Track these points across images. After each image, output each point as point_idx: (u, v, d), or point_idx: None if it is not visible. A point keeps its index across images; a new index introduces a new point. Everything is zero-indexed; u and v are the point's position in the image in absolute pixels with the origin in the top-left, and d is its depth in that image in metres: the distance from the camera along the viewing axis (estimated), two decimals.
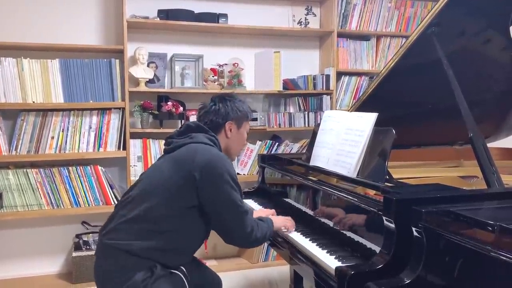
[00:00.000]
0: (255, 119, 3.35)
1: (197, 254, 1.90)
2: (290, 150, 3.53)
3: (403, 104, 2.31)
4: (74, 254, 3.10)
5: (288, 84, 3.53)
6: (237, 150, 1.97)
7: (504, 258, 1.06)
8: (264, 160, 2.66)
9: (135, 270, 1.60)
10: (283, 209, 2.20)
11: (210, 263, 3.43)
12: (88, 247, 3.14)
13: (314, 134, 2.29)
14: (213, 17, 3.33)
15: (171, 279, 1.68)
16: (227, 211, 1.66)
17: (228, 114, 1.85)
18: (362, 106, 2.28)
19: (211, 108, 1.87)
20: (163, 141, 3.26)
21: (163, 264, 1.66)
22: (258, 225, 1.74)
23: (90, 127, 3.14)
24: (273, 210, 2.16)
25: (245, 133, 1.94)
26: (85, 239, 3.17)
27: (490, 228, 1.14)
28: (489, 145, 1.86)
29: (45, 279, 3.18)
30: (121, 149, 3.18)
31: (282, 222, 1.94)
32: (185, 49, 3.43)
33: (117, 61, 3.14)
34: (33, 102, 3.01)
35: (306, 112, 3.56)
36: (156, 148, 3.27)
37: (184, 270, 1.74)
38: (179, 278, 1.70)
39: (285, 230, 1.94)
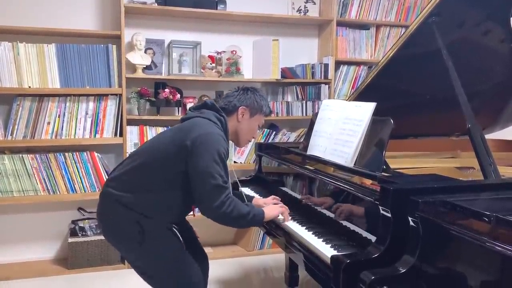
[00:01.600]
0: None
1: None
2: (288, 139, 3.52)
3: (401, 94, 2.31)
4: (70, 240, 3.10)
5: (286, 72, 3.51)
6: (245, 138, 2.04)
7: (500, 249, 1.07)
8: (261, 148, 2.66)
9: (125, 220, 1.76)
10: (280, 198, 2.19)
11: (206, 250, 3.43)
12: (84, 233, 3.14)
13: (311, 123, 2.29)
14: (212, 4, 3.30)
15: (163, 234, 1.81)
16: (201, 180, 1.73)
17: (244, 100, 1.98)
18: (360, 95, 2.27)
19: (233, 92, 2.03)
20: (161, 128, 3.30)
21: (151, 220, 1.77)
22: (234, 204, 1.74)
23: (87, 113, 3.13)
24: (271, 197, 2.15)
25: (256, 124, 2.03)
26: (81, 225, 3.17)
27: (486, 219, 1.15)
28: (486, 137, 1.86)
29: (41, 264, 3.18)
30: (118, 136, 3.17)
31: (275, 211, 1.94)
32: (183, 35, 3.40)
33: (114, 46, 3.11)
34: (29, 87, 2.98)
35: (304, 101, 3.55)
36: (153, 135, 3.25)
37: (176, 229, 1.87)
38: (171, 234, 1.84)
39: (282, 218, 1.95)
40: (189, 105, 3.30)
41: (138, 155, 1.87)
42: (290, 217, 1.96)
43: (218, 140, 1.78)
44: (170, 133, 1.89)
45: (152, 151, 1.84)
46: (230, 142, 2.02)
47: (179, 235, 1.89)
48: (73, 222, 3.21)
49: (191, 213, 1.97)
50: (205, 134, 1.76)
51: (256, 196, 2.28)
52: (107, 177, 3.12)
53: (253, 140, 2.11)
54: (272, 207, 1.98)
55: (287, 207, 1.99)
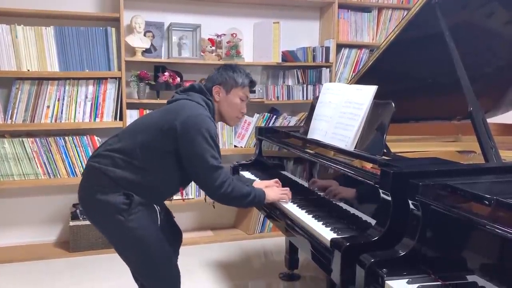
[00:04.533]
0: (253, 91, 3.32)
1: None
2: (288, 123, 3.51)
3: (403, 77, 2.29)
4: (71, 223, 3.12)
5: (287, 56, 3.48)
6: (230, 116, 2.01)
7: (500, 231, 1.07)
8: (262, 132, 2.65)
9: (110, 192, 1.75)
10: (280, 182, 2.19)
11: (206, 234, 3.47)
12: (84, 216, 3.15)
13: (312, 107, 2.27)
14: None
15: (147, 210, 1.80)
16: (198, 163, 1.76)
17: (216, 79, 1.97)
18: (362, 79, 2.25)
19: (210, 74, 2.02)
20: None
21: (138, 196, 1.77)
22: (233, 184, 1.80)
23: (86, 97, 3.11)
24: (274, 180, 2.15)
25: (236, 99, 1.98)
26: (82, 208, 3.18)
27: (486, 202, 1.14)
28: (488, 121, 1.84)
29: (43, 247, 3.21)
30: (118, 120, 3.16)
31: (277, 194, 1.97)
32: (183, 18, 3.36)
33: (113, 29, 3.08)
34: (28, 70, 2.96)
35: (305, 85, 3.52)
36: None
37: (157, 208, 1.87)
38: (153, 211, 1.84)
39: (284, 201, 1.96)
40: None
41: (124, 135, 1.86)
42: (290, 201, 1.97)
43: (208, 121, 1.78)
44: (157, 114, 1.88)
45: (139, 131, 1.82)
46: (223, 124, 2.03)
47: (158, 216, 1.87)
48: (74, 205, 3.23)
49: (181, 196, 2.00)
50: (194, 116, 1.77)
51: (257, 180, 2.28)
52: None
53: (242, 116, 2.06)
54: (273, 189, 2.00)
55: (289, 191, 2.00)
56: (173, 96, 1.96)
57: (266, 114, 3.50)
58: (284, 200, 1.97)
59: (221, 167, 1.78)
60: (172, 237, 2.06)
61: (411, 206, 1.36)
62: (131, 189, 1.76)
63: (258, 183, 2.14)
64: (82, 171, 1.92)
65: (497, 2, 2.02)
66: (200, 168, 1.76)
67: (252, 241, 3.45)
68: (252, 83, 2.04)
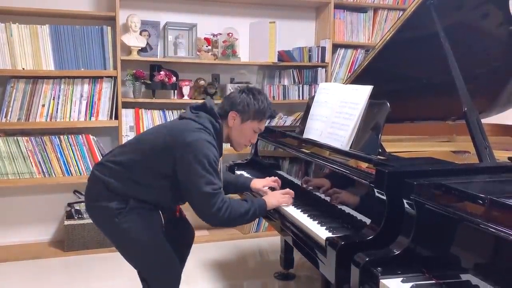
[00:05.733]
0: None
1: None
2: (284, 123, 3.52)
3: (398, 77, 2.30)
4: (66, 222, 3.11)
5: (283, 55, 3.49)
6: (239, 143, 1.98)
7: (494, 230, 1.07)
8: None
9: (108, 199, 1.79)
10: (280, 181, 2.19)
11: (202, 233, 3.47)
12: (80, 216, 3.15)
13: (308, 107, 2.28)
14: None
15: (145, 213, 1.81)
16: (193, 190, 1.73)
17: (236, 105, 1.90)
18: (357, 79, 2.26)
19: (231, 94, 1.98)
20: (156, 111, 3.28)
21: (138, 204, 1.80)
22: (230, 207, 1.74)
23: (82, 96, 3.10)
24: (272, 179, 2.14)
25: (249, 130, 1.94)
26: (77, 207, 3.17)
27: (480, 201, 1.15)
28: (482, 121, 1.85)
29: (37, 246, 3.19)
30: (113, 119, 3.15)
31: (279, 200, 1.92)
32: (179, 17, 3.36)
33: (109, 28, 3.08)
34: (23, 68, 2.95)
35: (301, 85, 3.53)
36: (149, 118, 3.24)
37: (160, 211, 1.88)
38: (154, 214, 1.85)
39: (285, 205, 1.93)
40: (184, 89, 3.29)
41: (128, 148, 1.88)
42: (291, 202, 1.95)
43: (207, 147, 1.74)
44: (163, 131, 1.84)
45: (141, 148, 1.83)
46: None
47: (162, 217, 1.88)
48: (69, 205, 3.22)
49: None
50: (194, 142, 1.73)
51: (254, 179, 2.26)
52: None
53: (250, 144, 2.04)
54: (274, 195, 1.95)
55: (291, 193, 1.96)
56: (185, 112, 1.92)
57: None
58: (285, 204, 1.92)
59: (217, 193, 1.73)
60: (178, 238, 2.04)
61: (406, 206, 1.37)
62: (127, 197, 1.79)
63: (254, 183, 2.14)
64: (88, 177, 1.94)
65: (491, 3, 2.04)
66: (194, 195, 1.74)
67: (247, 240, 3.45)
68: (270, 117, 2.00)
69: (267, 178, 2.17)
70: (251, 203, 1.83)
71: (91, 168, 1.93)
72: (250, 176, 2.41)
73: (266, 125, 3.42)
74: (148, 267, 1.88)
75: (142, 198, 1.80)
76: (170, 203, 1.93)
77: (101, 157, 1.98)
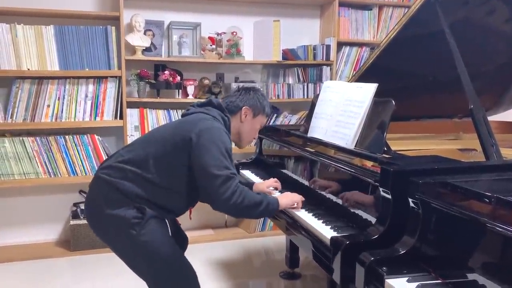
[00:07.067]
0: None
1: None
2: (289, 122, 3.51)
3: (403, 75, 2.28)
4: (72, 222, 3.12)
5: (288, 54, 3.47)
6: (247, 138, 2.01)
7: (501, 229, 1.06)
8: (262, 131, 2.63)
9: (121, 206, 1.69)
10: (280, 181, 2.18)
11: (207, 232, 3.47)
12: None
13: (312, 105, 2.27)
14: None
15: (159, 223, 1.75)
16: (208, 173, 1.67)
17: (248, 101, 1.95)
18: (362, 77, 2.24)
19: (235, 93, 2.02)
20: (161, 111, 3.28)
21: (150, 209, 1.72)
22: (244, 193, 1.69)
23: (87, 96, 3.11)
24: (272, 180, 2.14)
25: (258, 124, 2.01)
26: (83, 207, 3.17)
27: (487, 200, 1.14)
28: (489, 118, 1.84)
29: (44, 246, 3.21)
30: (118, 119, 3.16)
31: (292, 199, 1.88)
32: (183, 16, 3.35)
33: (113, 28, 3.08)
34: (28, 69, 2.96)
35: (305, 83, 3.52)
36: (154, 117, 3.24)
37: (166, 220, 1.82)
38: (164, 224, 1.79)
39: (295, 208, 1.88)
40: (189, 88, 3.28)
41: (136, 146, 1.81)
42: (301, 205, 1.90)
43: (224, 134, 1.75)
44: (172, 126, 1.85)
45: (153, 142, 1.77)
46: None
47: (169, 229, 1.81)
48: (75, 204, 3.23)
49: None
50: (211, 128, 1.73)
51: (257, 181, 2.27)
52: None
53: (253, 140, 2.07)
54: (286, 195, 1.90)
55: (301, 197, 1.90)
56: (189, 109, 1.92)
57: None
58: (295, 207, 1.87)
59: (232, 177, 1.69)
60: (180, 247, 1.98)
61: (411, 204, 1.36)
62: (142, 203, 1.70)
63: (257, 186, 2.13)
64: (90, 183, 1.84)
65: None
66: (209, 179, 1.67)
67: (253, 239, 3.44)
68: (271, 113, 2.05)
69: (268, 180, 2.16)
70: (264, 196, 1.79)
71: (96, 172, 1.82)
72: (254, 176, 2.40)
73: (271, 124, 3.44)
74: (168, 280, 1.75)
75: (156, 200, 1.72)
76: (185, 203, 1.85)
77: (106, 159, 1.89)
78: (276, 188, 2.12)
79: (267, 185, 2.11)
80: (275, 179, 2.15)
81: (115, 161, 1.77)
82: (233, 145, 2.01)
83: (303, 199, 1.90)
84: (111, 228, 1.73)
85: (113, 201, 1.70)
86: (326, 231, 1.59)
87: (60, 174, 3.09)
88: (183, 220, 2.05)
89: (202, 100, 1.97)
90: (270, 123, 3.43)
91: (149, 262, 1.72)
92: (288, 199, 1.87)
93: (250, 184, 2.14)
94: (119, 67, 3.10)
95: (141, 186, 1.71)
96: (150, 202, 1.72)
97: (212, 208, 1.76)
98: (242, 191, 1.69)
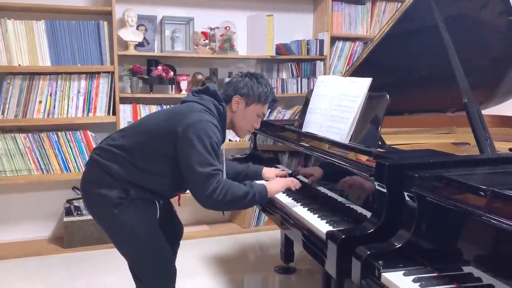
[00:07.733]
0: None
1: None
2: (283, 117, 3.50)
3: (397, 70, 2.29)
4: (65, 219, 3.10)
5: (281, 49, 3.46)
6: (243, 128, 1.97)
7: (496, 222, 1.07)
8: None
9: (110, 187, 1.74)
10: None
11: (202, 228, 3.47)
12: (79, 212, 3.14)
13: (306, 100, 2.27)
14: None
15: (144, 206, 1.78)
16: (191, 170, 1.68)
17: (239, 89, 1.90)
18: (356, 71, 2.24)
19: (233, 79, 1.97)
20: (154, 106, 3.26)
21: (137, 192, 1.76)
22: (227, 188, 1.69)
23: (79, 92, 3.08)
24: (284, 172, 2.13)
25: (253, 114, 1.93)
26: (76, 204, 3.16)
27: (482, 193, 1.14)
28: (482, 112, 1.84)
29: (37, 243, 3.18)
30: (111, 114, 3.13)
31: (281, 184, 1.88)
32: (175, 11, 3.33)
33: (105, 23, 3.05)
34: (19, 65, 2.92)
35: (299, 78, 3.51)
36: (147, 113, 3.21)
37: (157, 203, 1.84)
38: (152, 207, 1.82)
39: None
40: (182, 83, 3.27)
41: (128, 132, 1.84)
42: (299, 186, 1.91)
43: (210, 128, 1.72)
44: (164, 115, 1.84)
45: (143, 130, 1.80)
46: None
47: (157, 211, 1.85)
48: (68, 201, 3.21)
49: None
50: (198, 121, 1.72)
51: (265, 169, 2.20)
52: None
53: (253, 130, 2.02)
54: (276, 181, 1.90)
55: (292, 179, 1.91)
56: (188, 96, 1.92)
57: None
58: (290, 185, 1.87)
59: (214, 174, 1.67)
60: (171, 232, 2.03)
61: (407, 198, 1.36)
62: (128, 186, 1.75)
63: (268, 170, 2.12)
64: (86, 162, 1.91)
65: None
66: (191, 175, 1.69)
67: (247, 234, 3.44)
68: (273, 101, 1.99)
69: (278, 169, 2.14)
70: (250, 187, 1.77)
71: (79, 157, 1.90)
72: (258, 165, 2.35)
73: (265, 119, 3.42)
74: (143, 261, 1.83)
75: (142, 185, 1.75)
76: (170, 190, 1.88)
77: (102, 140, 1.93)
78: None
79: (276, 174, 2.10)
80: (286, 172, 2.12)
81: (107, 143, 1.83)
82: (233, 134, 1.99)
83: (295, 180, 1.90)
84: (98, 206, 1.80)
85: (101, 181, 1.76)
86: (322, 226, 1.59)
87: (53, 171, 3.06)
88: (179, 214, 2.04)
89: (200, 87, 1.94)
90: (264, 118, 3.42)
91: (126, 241, 1.80)
92: (278, 185, 1.87)
93: (259, 169, 2.13)
94: (112, 63, 3.08)
95: (128, 170, 1.75)
96: (136, 185, 1.76)
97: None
98: (224, 187, 1.69)
